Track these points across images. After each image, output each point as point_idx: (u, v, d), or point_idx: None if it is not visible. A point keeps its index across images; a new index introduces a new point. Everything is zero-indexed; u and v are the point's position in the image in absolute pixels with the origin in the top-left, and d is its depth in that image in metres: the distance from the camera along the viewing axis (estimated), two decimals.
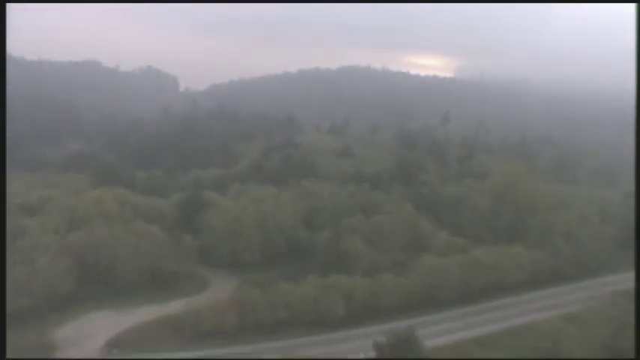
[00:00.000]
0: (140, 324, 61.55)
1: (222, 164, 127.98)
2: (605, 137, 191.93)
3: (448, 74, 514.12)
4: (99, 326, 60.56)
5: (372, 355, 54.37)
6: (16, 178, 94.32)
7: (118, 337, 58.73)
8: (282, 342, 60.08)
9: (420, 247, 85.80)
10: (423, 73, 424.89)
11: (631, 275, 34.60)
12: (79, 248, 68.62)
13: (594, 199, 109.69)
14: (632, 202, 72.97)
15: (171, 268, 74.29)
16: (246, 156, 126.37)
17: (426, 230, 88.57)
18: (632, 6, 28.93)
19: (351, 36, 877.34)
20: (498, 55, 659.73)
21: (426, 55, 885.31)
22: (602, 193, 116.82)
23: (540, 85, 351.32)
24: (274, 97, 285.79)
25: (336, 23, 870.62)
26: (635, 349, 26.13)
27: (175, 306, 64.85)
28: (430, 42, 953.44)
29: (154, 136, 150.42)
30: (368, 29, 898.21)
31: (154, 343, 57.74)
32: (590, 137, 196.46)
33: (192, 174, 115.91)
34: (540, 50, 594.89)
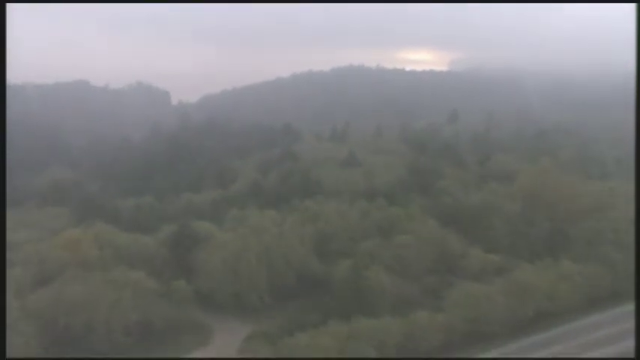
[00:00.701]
0: None
1: (217, 184, 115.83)
2: (617, 121, 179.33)
3: (443, 68, 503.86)
4: None
5: None
6: None
7: None
8: None
9: (451, 269, 73.93)
10: (417, 68, 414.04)
11: None
12: (48, 309, 56.42)
13: (632, 195, 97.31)
14: None
15: (165, 320, 62.10)
16: (243, 174, 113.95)
17: (455, 248, 76.36)
18: (632, 6, 27.90)
19: (340, 36, 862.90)
20: (492, 45, 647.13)
21: (418, 50, 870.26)
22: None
23: (541, 73, 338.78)
24: (268, 105, 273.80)
25: (324, 24, 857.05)
26: (635, 349, 24.41)
27: None
28: (420, 36, 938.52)
29: (143, 158, 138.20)
30: (356, 28, 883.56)
31: None
32: (605, 123, 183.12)
33: (185, 198, 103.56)
34: (536, 37, 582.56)
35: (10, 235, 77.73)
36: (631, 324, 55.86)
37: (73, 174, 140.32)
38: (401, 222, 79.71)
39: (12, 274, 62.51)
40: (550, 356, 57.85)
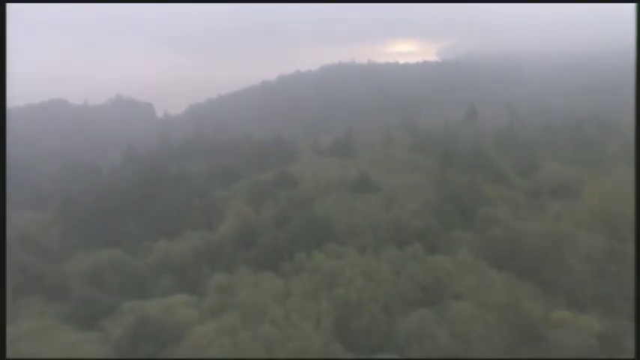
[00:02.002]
0: None
1: (200, 223, 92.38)
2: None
3: (433, 58, 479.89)
4: None
5: None
6: None
7: None
8: None
9: (534, 343, 51.13)
10: (406, 60, 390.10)
11: None
12: None
13: None
14: None
15: None
16: (231, 208, 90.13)
17: (531, 309, 53.41)
18: (632, 6, 25.62)
19: (322, 32, 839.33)
20: (477, 30, 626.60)
21: (403, 42, 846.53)
22: None
23: (539, 57, 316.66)
24: (256, 111, 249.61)
25: (307, 21, 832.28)
26: (635, 349, 23.03)
27: None
28: (404, 28, 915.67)
29: (114, 192, 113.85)
30: (337, 23, 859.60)
31: None
32: (619, 108, 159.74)
33: (161, 249, 79.80)
34: (525, 19, 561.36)
35: None
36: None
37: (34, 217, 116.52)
38: (450, 278, 56.67)
39: None
40: None
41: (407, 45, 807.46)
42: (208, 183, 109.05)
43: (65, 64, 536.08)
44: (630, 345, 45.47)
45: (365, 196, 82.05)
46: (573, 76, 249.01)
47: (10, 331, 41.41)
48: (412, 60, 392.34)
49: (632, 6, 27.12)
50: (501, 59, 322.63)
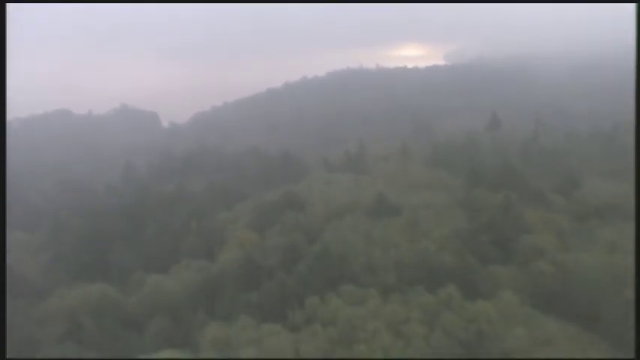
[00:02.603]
0: None
1: (198, 250, 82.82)
2: None
3: (440, 62, 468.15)
4: None
5: None
6: None
7: None
8: None
9: None
10: (416, 65, 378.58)
11: None
12: None
13: None
14: None
15: None
16: (231, 236, 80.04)
17: None
18: (632, 6, 25.96)
19: (326, 37, 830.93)
20: (489, 32, 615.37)
21: (408, 46, 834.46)
22: None
23: (554, 58, 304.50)
24: (262, 120, 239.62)
25: (309, 25, 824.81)
26: (635, 349, 23.00)
27: None
28: (409, 32, 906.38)
29: (107, 215, 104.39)
30: (342, 27, 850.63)
31: None
32: None
33: (151, 285, 70.00)
34: (534, 19, 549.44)
35: None
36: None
37: (23, 238, 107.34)
38: (495, 330, 46.30)
39: None
40: None
41: (412, 49, 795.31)
42: (209, 203, 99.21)
43: (69, 73, 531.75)
44: None
45: (384, 221, 71.68)
46: (593, 78, 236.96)
47: None
48: (420, 64, 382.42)
49: (632, 7, 26.75)
50: (514, 61, 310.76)
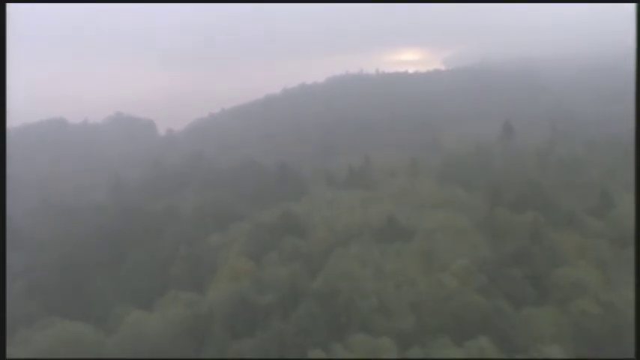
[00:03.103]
0: None
1: (185, 280, 74.23)
2: None
3: (439, 67, 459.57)
4: None
5: None
6: None
7: None
8: None
9: None
10: (415, 69, 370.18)
11: None
12: None
13: None
14: None
15: None
16: (223, 265, 71.32)
17: None
18: (632, 6, 26.18)
19: (324, 42, 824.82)
20: (487, 35, 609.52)
21: (405, 51, 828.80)
22: None
23: (560, 60, 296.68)
24: (260, 129, 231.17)
25: (307, 31, 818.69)
26: (635, 349, 23.61)
27: None
28: (405, 36, 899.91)
29: (91, 239, 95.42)
30: (339, 32, 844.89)
31: None
32: None
33: (130, 323, 61.33)
34: (532, 22, 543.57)
35: None
36: None
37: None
38: None
39: None
40: None
41: (410, 53, 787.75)
42: (201, 224, 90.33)
43: (64, 81, 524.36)
44: None
45: (395, 247, 62.97)
46: (599, 80, 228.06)
47: None
48: (419, 69, 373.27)
49: (632, 7, 26.65)
50: (518, 64, 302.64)
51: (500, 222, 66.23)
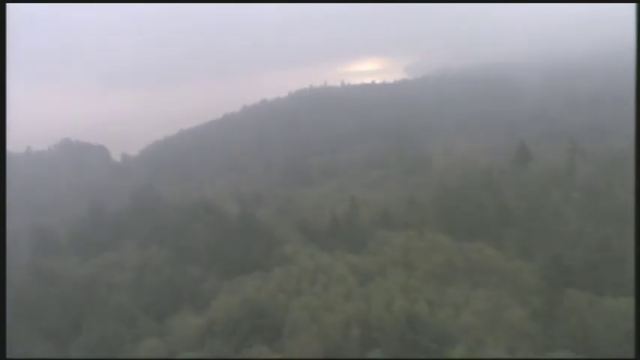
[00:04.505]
0: None
1: None
2: None
3: (400, 76, 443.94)
4: None
5: None
6: None
7: None
8: None
9: None
10: (381, 80, 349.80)
11: None
12: None
13: None
14: None
15: None
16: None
17: None
18: (632, 6, 24.00)
19: (282, 57, 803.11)
20: (445, 45, 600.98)
21: (365, 61, 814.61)
22: None
23: (528, 63, 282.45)
24: (221, 153, 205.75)
25: (262, 44, 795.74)
26: (635, 349, 21.69)
27: None
28: (364, 46, 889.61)
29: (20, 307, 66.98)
30: (295, 46, 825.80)
31: None
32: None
33: None
34: (492, 25, 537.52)
35: None
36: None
37: None
38: None
39: None
40: None
41: (370, 63, 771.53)
42: (130, 319, 63.44)
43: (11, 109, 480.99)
44: None
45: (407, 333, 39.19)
46: (573, 85, 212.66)
47: None
48: (381, 79, 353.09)
49: (632, 7, 24.04)
50: (486, 71, 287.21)
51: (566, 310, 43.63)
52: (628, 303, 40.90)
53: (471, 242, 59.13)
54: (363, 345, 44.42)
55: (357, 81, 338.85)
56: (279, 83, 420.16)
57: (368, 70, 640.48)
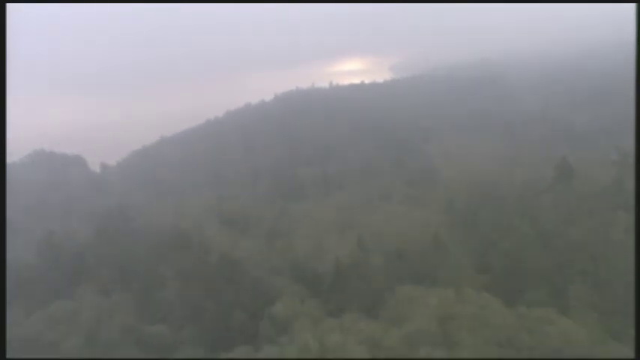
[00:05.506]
0: None
1: None
2: None
3: (386, 75, 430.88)
4: None
5: None
6: None
7: None
8: None
9: None
10: (360, 80, 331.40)
11: None
12: None
13: None
14: None
15: None
16: None
17: None
18: (632, 6, 25.55)
19: (264, 59, 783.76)
20: (430, 44, 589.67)
21: (349, 61, 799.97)
22: None
23: (518, 63, 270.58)
24: (204, 163, 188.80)
25: (242, 47, 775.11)
26: (635, 349, 22.76)
27: None
28: (348, 46, 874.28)
29: None
30: (278, 47, 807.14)
31: None
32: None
33: None
34: (476, 23, 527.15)
35: None
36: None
37: None
38: None
39: None
40: None
41: (354, 63, 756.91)
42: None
43: None
44: None
45: None
46: (564, 83, 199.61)
47: None
48: (368, 78, 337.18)
49: (632, 7, 24.99)
50: (475, 69, 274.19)
51: None
52: None
53: (529, 305, 43.64)
54: None
55: (344, 81, 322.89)
56: (263, 85, 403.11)
57: (352, 70, 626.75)
